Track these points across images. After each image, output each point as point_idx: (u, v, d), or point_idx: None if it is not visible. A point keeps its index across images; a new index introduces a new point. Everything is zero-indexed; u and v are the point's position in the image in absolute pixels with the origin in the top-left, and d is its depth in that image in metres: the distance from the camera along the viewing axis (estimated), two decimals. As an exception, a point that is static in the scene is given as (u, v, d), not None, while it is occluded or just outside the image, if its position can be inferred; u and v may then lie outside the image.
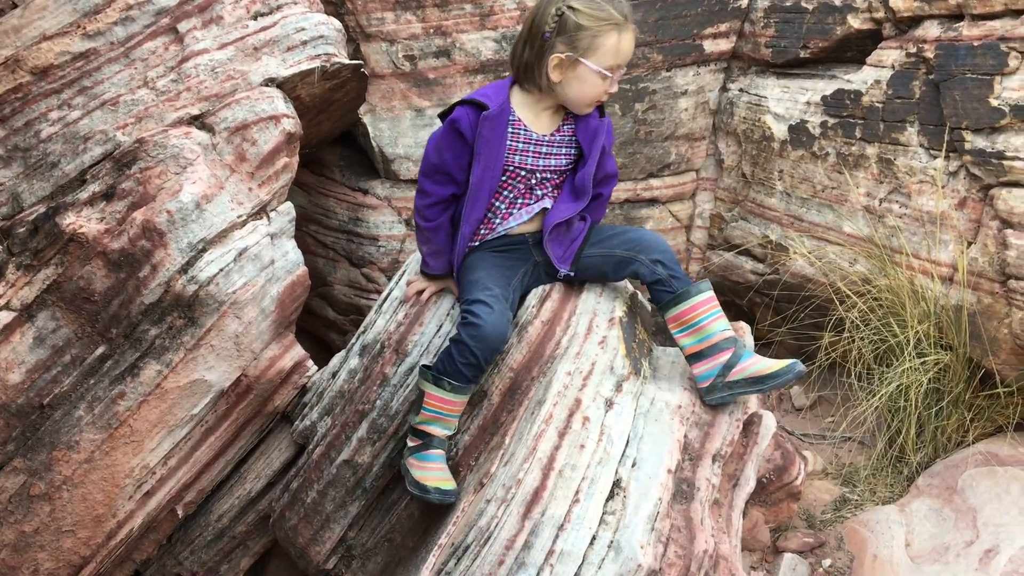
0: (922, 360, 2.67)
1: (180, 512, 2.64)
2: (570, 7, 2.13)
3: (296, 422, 2.57)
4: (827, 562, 2.56)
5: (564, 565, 1.82)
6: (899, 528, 2.58)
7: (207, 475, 2.65)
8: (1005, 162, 2.50)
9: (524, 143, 2.26)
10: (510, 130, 2.25)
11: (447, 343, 2.21)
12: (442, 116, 2.32)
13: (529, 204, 2.31)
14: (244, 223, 2.50)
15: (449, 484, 2.16)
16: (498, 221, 2.31)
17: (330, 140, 3.72)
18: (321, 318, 3.80)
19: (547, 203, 2.30)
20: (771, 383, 2.11)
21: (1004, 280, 2.51)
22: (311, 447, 2.47)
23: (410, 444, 2.22)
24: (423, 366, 2.21)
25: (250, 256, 2.45)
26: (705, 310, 2.19)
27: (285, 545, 2.52)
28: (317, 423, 2.48)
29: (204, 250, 2.36)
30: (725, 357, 2.16)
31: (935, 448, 2.74)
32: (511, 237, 2.32)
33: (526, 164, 2.27)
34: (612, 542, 1.87)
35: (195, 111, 2.57)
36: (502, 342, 2.18)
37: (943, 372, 2.69)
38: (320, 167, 3.78)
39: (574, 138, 2.30)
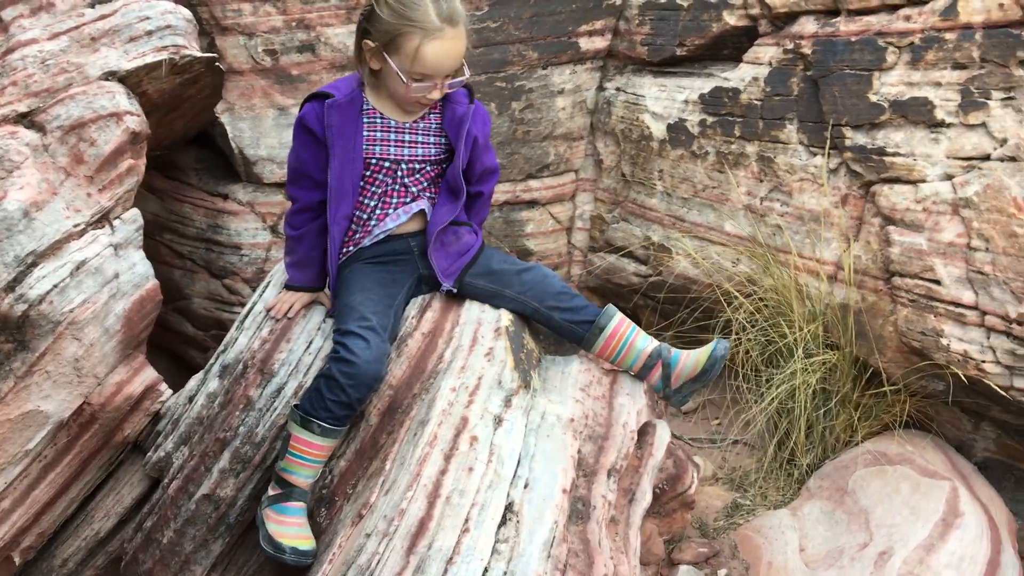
0: (810, 360, 2.63)
1: (17, 559, 2.33)
2: None
3: (149, 453, 2.31)
4: (723, 572, 2.48)
5: (455, 602, 1.66)
6: (792, 533, 2.52)
7: (48, 516, 2.35)
8: (886, 158, 2.49)
9: (383, 132, 2.08)
10: (365, 120, 2.07)
11: (315, 380, 2.00)
12: None
13: (406, 203, 2.13)
14: (82, 233, 2.23)
15: (307, 544, 1.96)
16: (373, 223, 2.13)
17: (184, 141, 3.44)
18: (179, 334, 3.51)
19: (424, 204, 2.13)
20: (712, 373, 2.13)
21: (888, 277, 2.50)
22: (166, 480, 2.21)
23: (271, 492, 2.01)
24: (294, 406, 2.00)
25: (89, 270, 2.19)
26: (619, 338, 2.14)
27: (139, 592, 2.26)
28: (173, 454, 2.23)
29: (34, 264, 2.09)
30: (658, 373, 2.17)
31: (824, 449, 2.71)
32: (393, 242, 2.14)
33: (388, 155, 2.09)
34: (506, 572, 1.71)
35: (22, 108, 2.29)
36: (377, 380, 2.00)
37: (830, 372, 2.66)
38: (174, 171, 3.49)
39: (441, 126, 2.13)
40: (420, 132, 2.11)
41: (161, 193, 3.47)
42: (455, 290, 2.14)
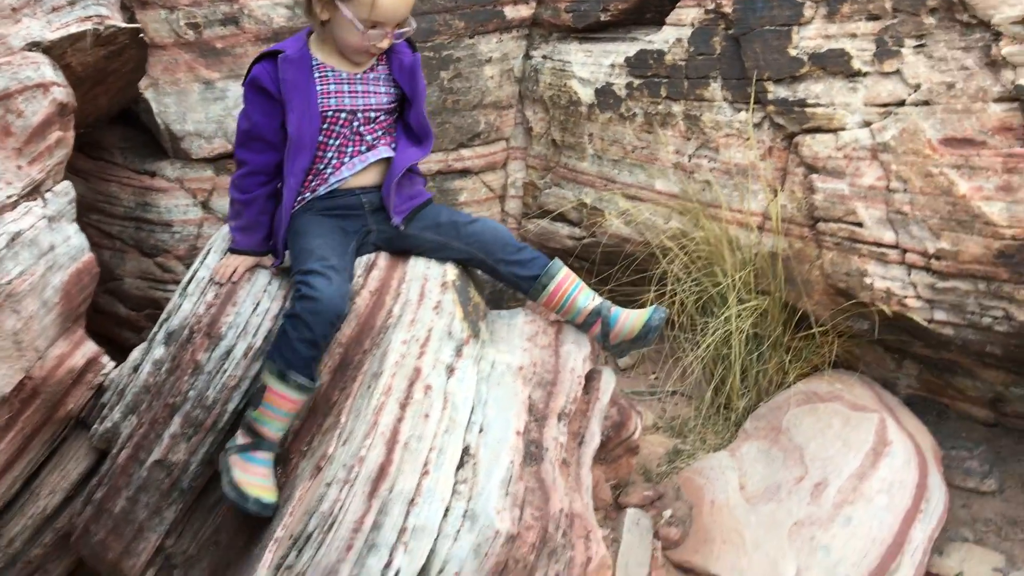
0: (742, 307, 2.73)
1: (-40, 541, 2.29)
2: None
3: (94, 426, 2.28)
4: (668, 513, 2.57)
5: (418, 541, 1.69)
6: (732, 473, 2.63)
7: (-9, 496, 2.31)
8: (807, 109, 2.59)
9: (335, 84, 2.11)
10: (316, 75, 2.09)
11: (281, 321, 2.01)
12: (245, 82, 2.13)
13: (362, 152, 2.15)
14: (15, 204, 2.19)
15: (271, 496, 1.96)
16: (329, 172, 2.14)
17: (108, 119, 3.38)
18: (111, 316, 3.45)
19: (385, 151, 2.16)
20: (648, 339, 2.19)
21: (813, 224, 2.61)
22: (115, 451, 2.19)
23: (239, 440, 2.01)
24: (269, 359, 2.00)
25: (25, 242, 2.15)
26: (562, 294, 2.19)
27: (93, 563, 2.23)
28: (120, 424, 2.21)
29: (-32, 236, 2.04)
30: (597, 329, 2.22)
31: (758, 392, 2.82)
32: (343, 195, 2.15)
33: (344, 105, 2.11)
34: (467, 511, 1.75)
35: (-54, 80, 2.23)
36: (340, 316, 2.02)
37: (762, 317, 2.77)
38: (98, 150, 3.42)
39: (390, 76, 2.17)
40: (371, 82, 2.13)
41: (86, 174, 3.40)
42: (403, 227, 2.16)
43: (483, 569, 1.71)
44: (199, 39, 3.25)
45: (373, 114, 2.14)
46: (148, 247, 3.33)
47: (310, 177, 2.14)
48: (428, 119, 2.28)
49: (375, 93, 2.15)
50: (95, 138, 3.38)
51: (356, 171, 2.14)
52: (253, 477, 1.95)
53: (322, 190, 2.14)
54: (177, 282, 3.33)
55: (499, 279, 2.22)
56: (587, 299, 2.22)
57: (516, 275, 2.19)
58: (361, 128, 2.14)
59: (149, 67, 3.18)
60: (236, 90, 3.27)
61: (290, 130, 2.06)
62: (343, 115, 2.11)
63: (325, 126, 2.10)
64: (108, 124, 3.42)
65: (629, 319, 2.20)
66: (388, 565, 1.67)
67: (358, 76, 2.13)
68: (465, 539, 1.72)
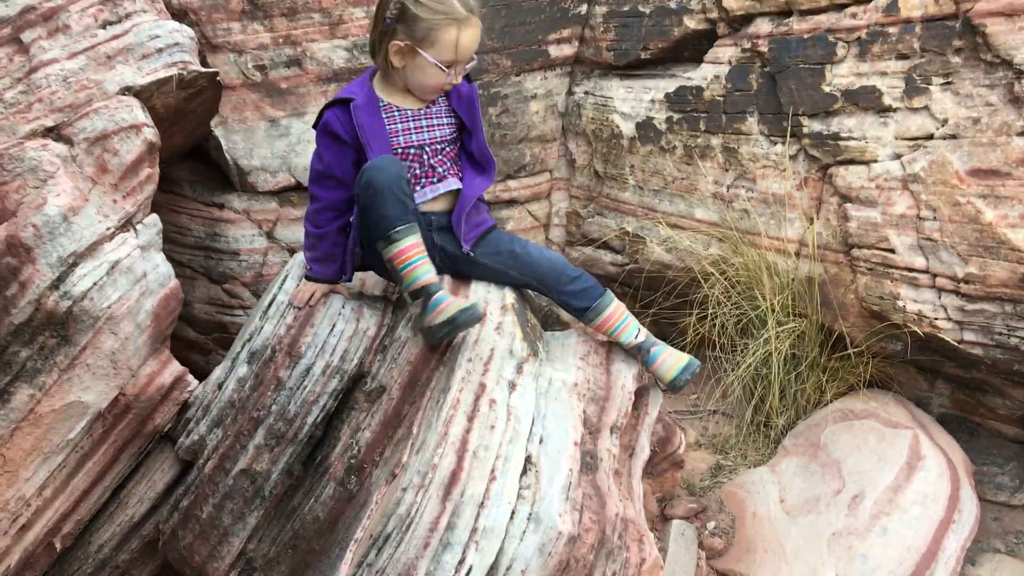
0: (781, 329, 2.88)
1: (58, 545, 2.48)
2: None
3: (181, 439, 2.47)
4: (712, 524, 2.71)
5: (488, 540, 1.86)
6: (772, 487, 2.77)
7: (85, 504, 2.50)
8: (840, 142, 2.75)
9: (402, 122, 2.33)
10: (384, 115, 2.30)
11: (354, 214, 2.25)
12: (316, 125, 2.34)
13: (433, 183, 2.35)
14: (113, 236, 2.39)
15: (468, 302, 2.18)
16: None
17: (180, 155, 3.60)
18: (181, 339, 3.66)
19: (454, 183, 2.35)
20: (677, 386, 2.41)
21: (848, 250, 2.76)
22: (201, 461, 2.38)
23: (417, 310, 2.21)
24: (372, 243, 2.22)
25: (122, 269, 2.35)
26: (611, 325, 2.40)
27: (179, 566, 2.42)
28: (206, 436, 2.40)
29: (75, 264, 2.25)
30: (637, 365, 2.44)
31: (797, 410, 2.96)
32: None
33: (412, 141, 2.33)
34: (531, 514, 1.92)
35: (49, 122, 2.45)
36: (400, 179, 2.20)
37: (799, 339, 2.91)
38: (169, 184, 3.64)
39: (450, 108, 2.38)
40: (433, 116, 2.36)
41: (158, 206, 3.58)
42: (472, 253, 2.36)
43: (547, 567, 1.87)
44: (265, 80, 3.48)
45: (439, 146, 2.36)
46: (216, 275, 3.54)
47: None
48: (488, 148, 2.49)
49: (438, 126, 2.37)
50: (167, 173, 3.60)
51: (427, 199, 2.34)
52: (450, 306, 2.14)
53: None
54: (244, 307, 3.54)
55: (555, 302, 2.41)
56: (631, 335, 2.41)
57: (569, 305, 2.38)
58: (432, 160, 2.34)
59: (219, 106, 3.40)
60: (299, 127, 3.49)
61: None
62: (412, 150, 2.32)
63: None
64: (178, 160, 3.64)
65: (665, 364, 2.40)
66: (462, 562, 1.84)
67: (421, 111, 2.35)
68: (530, 539, 1.89)
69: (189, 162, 3.68)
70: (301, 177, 3.50)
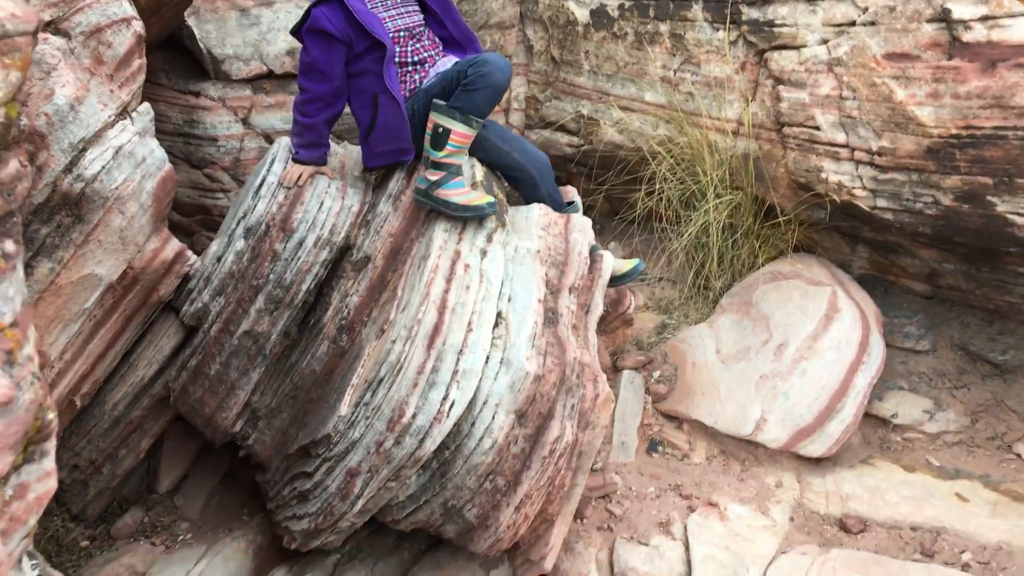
0: (719, 200, 3.21)
1: (78, 403, 2.78)
2: None
3: (185, 307, 2.76)
4: (657, 373, 3.09)
5: (467, 380, 2.20)
6: (710, 340, 3.14)
7: (100, 366, 2.79)
8: (775, 29, 3.02)
9: (384, 10, 2.63)
10: (369, 6, 2.54)
11: (459, 93, 2.48)
12: (295, 31, 2.61)
13: (437, 62, 2.67)
14: (113, 123, 2.61)
15: (490, 198, 2.49)
16: (417, 79, 2.64)
17: (156, 45, 3.75)
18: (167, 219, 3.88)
19: (454, 57, 2.68)
20: (629, 278, 2.78)
21: (779, 128, 3.06)
22: (207, 326, 2.68)
23: (432, 178, 2.49)
24: (447, 106, 2.47)
25: (125, 154, 2.58)
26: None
27: (191, 418, 2.74)
28: (210, 304, 2.69)
29: (84, 149, 2.47)
30: (591, 234, 2.75)
31: (733, 274, 3.32)
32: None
33: (399, 25, 2.62)
34: (503, 358, 2.26)
35: (47, 16, 2.62)
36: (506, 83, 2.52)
37: (736, 210, 3.25)
38: (147, 73, 3.80)
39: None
40: (402, 5, 2.68)
41: (136, 94, 3.79)
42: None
43: (517, 400, 2.22)
44: (234, -30, 3.62)
45: (419, 30, 2.66)
46: (196, 160, 3.76)
47: (404, 81, 2.65)
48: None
49: (411, 13, 2.68)
50: (143, 62, 3.76)
51: (431, 79, 2.64)
52: (470, 195, 2.48)
53: (425, 83, 2.65)
54: (224, 191, 3.78)
55: (531, 194, 2.72)
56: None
57: (552, 197, 2.72)
58: (422, 46, 2.64)
59: (191, -3, 3.55)
60: (269, 16, 3.66)
61: (385, 41, 2.52)
62: (403, 33, 2.61)
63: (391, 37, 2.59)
64: (153, 49, 3.79)
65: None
66: (446, 398, 2.18)
67: (394, 2, 2.65)
68: (502, 379, 2.23)
69: (164, 51, 3.83)
70: (272, 65, 3.69)
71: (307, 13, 2.53)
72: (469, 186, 2.54)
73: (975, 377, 3.05)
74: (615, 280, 2.80)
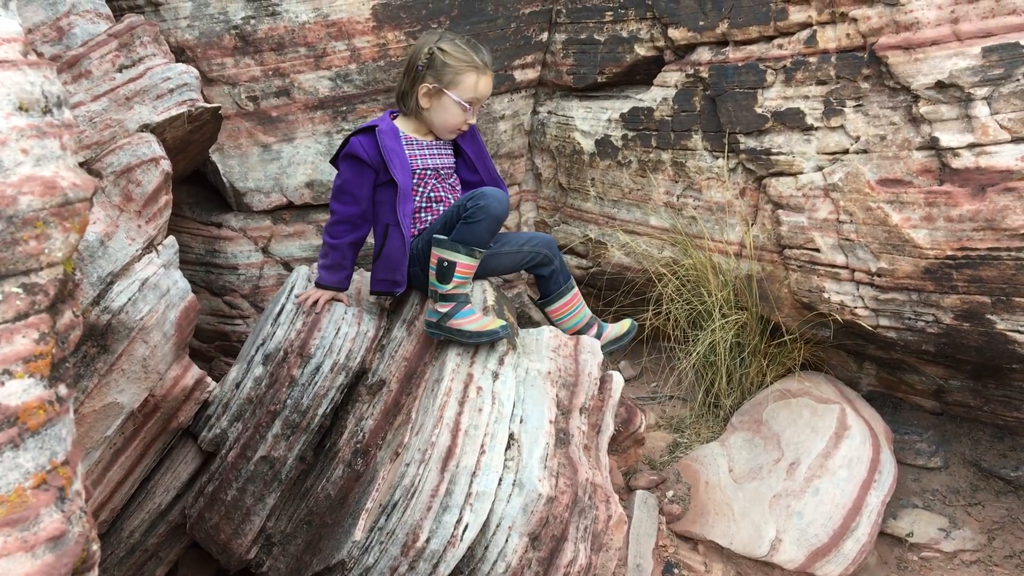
0: (725, 320, 3.29)
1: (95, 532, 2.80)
2: (440, 48, 2.62)
3: (203, 432, 2.81)
4: (670, 493, 3.10)
5: (481, 502, 2.23)
6: (722, 459, 3.16)
7: (118, 494, 2.83)
8: (772, 157, 3.16)
9: (418, 150, 2.80)
10: (404, 143, 2.71)
11: (460, 226, 2.60)
12: (334, 160, 2.81)
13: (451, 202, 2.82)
14: (140, 256, 2.73)
15: (502, 321, 2.58)
16: (429, 220, 2.78)
17: (181, 180, 3.93)
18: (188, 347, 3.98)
19: None
20: (627, 338, 2.87)
21: (780, 250, 3.16)
22: (224, 452, 2.73)
23: (442, 310, 2.58)
24: (450, 240, 2.58)
25: (150, 286, 2.69)
26: (579, 299, 2.92)
27: (206, 544, 2.76)
28: (227, 430, 2.74)
29: (112, 282, 2.59)
30: (594, 331, 2.91)
31: (742, 392, 3.36)
32: None
33: (427, 164, 2.79)
34: (515, 480, 2.29)
35: (80, 159, 2.78)
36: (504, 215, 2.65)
37: (742, 329, 3.32)
38: (172, 207, 3.97)
39: (447, 143, 2.88)
40: (438, 147, 2.86)
41: (160, 226, 3.95)
42: (492, 246, 2.81)
43: (530, 523, 2.25)
44: (257, 109, 3.82)
45: (447, 171, 2.82)
46: (217, 288, 3.88)
47: (417, 218, 2.79)
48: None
49: (445, 155, 2.86)
50: (167, 196, 3.93)
51: None
52: (481, 320, 2.55)
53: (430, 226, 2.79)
54: (243, 317, 3.88)
55: (550, 272, 2.88)
56: (588, 311, 2.95)
57: (562, 271, 2.88)
58: (447, 187, 2.81)
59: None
60: (289, 151, 3.84)
61: (397, 179, 2.69)
62: (428, 172, 2.76)
63: (415, 180, 2.75)
64: (177, 184, 3.97)
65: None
66: (459, 521, 2.21)
67: (431, 143, 2.84)
68: (515, 501, 2.26)
69: (187, 186, 4.01)
70: (292, 196, 3.86)
71: (346, 141, 2.71)
72: (480, 311, 2.63)
73: (989, 494, 3.04)
74: (610, 344, 2.91)
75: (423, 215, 2.80)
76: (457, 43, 2.75)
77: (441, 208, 2.81)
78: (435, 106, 2.75)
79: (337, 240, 2.73)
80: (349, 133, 2.77)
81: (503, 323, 2.55)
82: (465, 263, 2.59)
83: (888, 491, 2.89)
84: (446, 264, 2.59)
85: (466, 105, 2.72)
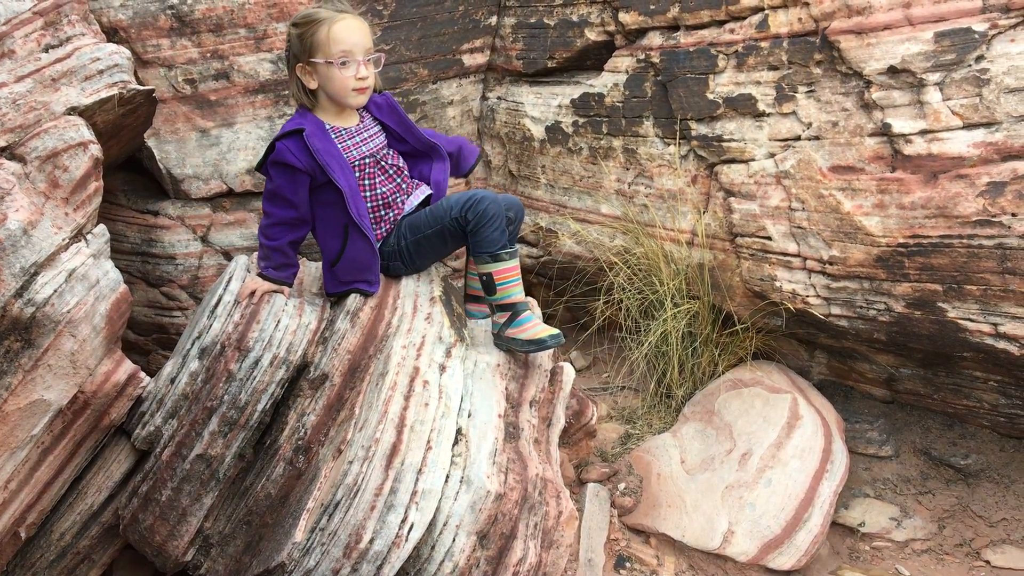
0: (677, 310, 3.24)
1: (23, 534, 2.67)
2: (291, 26, 2.59)
3: (137, 430, 2.68)
4: (622, 485, 3.05)
5: (427, 500, 2.15)
6: (674, 450, 3.12)
7: (47, 495, 2.69)
8: (723, 144, 3.11)
9: (348, 138, 2.65)
10: (333, 136, 2.57)
11: (472, 241, 2.57)
12: (260, 167, 2.65)
13: (412, 192, 2.74)
14: (67, 246, 2.59)
15: (553, 330, 2.53)
16: (391, 217, 2.70)
17: (115, 166, 3.77)
18: (121, 341, 3.83)
19: (425, 190, 2.75)
20: (542, 347, 2.53)
21: (732, 238, 3.12)
22: (159, 450, 2.61)
23: (500, 320, 2.56)
24: (487, 254, 2.54)
25: (78, 276, 2.56)
26: (516, 272, 2.66)
27: (140, 547, 2.64)
28: (162, 427, 2.62)
29: (36, 273, 2.44)
30: (503, 319, 2.61)
31: (694, 382, 3.32)
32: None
33: (363, 152, 2.65)
34: (463, 477, 2.22)
35: (1, 143, 2.63)
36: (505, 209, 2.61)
37: (694, 318, 3.27)
38: (105, 193, 3.79)
39: (374, 119, 2.75)
40: (365, 130, 2.71)
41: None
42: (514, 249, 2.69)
43: (478, 521, 2.17)
44: (195, 93, 3.67)
45: (383, 151, 2.70)
46: (154, 278, 3.73)
47: (381, 217, 2.69)
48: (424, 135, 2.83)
49: (374, 136, 2.71)
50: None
51: (413, 207, 2.73)
52: (537, 328, 2.52)
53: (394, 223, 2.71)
54: (182, 309, 3.75)
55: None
56: (520, 293, 2.65)
57: (512, 233, 2.72)
58: (392, 174, 2.69)
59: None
60: (229, 137, 3.70)
61: (341, 184, 2.56)
62: (367, 160, 2.63)
63: (358, 175, 2.61)
64: (112, 170, 3.81)
65: (536, 327, 2.58)
66: (404, 520, 2.12)
67: (356, 128, 2.68)
68: (463, 498, 2.18)
69: (122, 172, 3.85)
70: (232, 183, 3.72)
71: (270, 147, 2.57)
72: (537, 318, 2.61)
73: (939, 482, 3.04)
74: (518, 343, 2.58)
75: (383, 212, 2.70)
76: (303, 10, 2.63)
77: (399, 205, 2.70)
78: (320, 80, 2.60)
79: (276, 242, 2.61)
80: (272, 139, 2.63)
81: (554, 332, 2.52)
82: (498, 269, 2.56)
83: (840, 481, 2.87)
84: (485, 278, 2.58)
85: (338, 61, 2.54)
